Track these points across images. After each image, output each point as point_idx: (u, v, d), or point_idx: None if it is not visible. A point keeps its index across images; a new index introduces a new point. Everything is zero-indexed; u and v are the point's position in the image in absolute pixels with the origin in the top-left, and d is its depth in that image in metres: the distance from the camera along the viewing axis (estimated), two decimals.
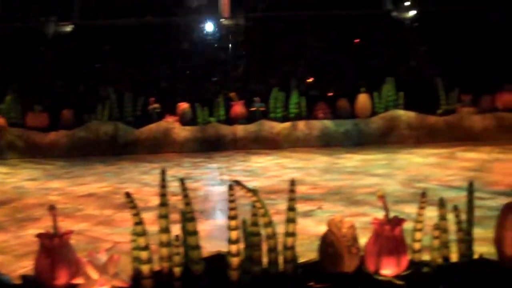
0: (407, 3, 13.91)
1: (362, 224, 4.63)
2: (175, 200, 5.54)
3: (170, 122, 10.72)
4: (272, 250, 3.14)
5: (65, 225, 4.86)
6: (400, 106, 10.88)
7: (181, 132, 10.67)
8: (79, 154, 10.46)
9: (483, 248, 3.65)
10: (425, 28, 13.08)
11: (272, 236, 3.13)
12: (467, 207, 3.34)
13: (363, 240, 3.20)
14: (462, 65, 12.14)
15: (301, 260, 3.29)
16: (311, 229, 4.89)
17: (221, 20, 13.41)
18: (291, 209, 3.12)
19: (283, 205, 4.10)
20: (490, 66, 12.10)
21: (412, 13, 13.41)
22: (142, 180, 7.90)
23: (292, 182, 3.11)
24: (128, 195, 3.10)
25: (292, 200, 3.12)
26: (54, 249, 2.97)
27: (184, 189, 3.13)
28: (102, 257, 2.98)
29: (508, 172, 7.49)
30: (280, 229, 3.17)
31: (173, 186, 4.76)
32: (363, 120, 10.85)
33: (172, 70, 12.63)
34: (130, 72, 12.52)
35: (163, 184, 3.16)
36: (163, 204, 3.11)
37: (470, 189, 3.34)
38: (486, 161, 8.39)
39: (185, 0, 14.30)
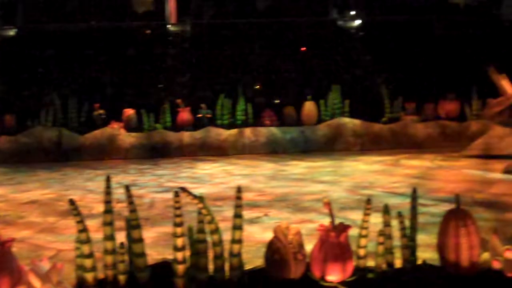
0: (352, 13, 14.10)
1: (308, 230, 4.66)
2: (120, 207, 5.49)
3: (115, 129, 10.60)
4: (218, 257, 3.12)
5: (6, 232, 4.76)
6: (346, 114, 10.99)
7: (127, 138, 10.57)
8: (22, 160, 10.25)
9: (427, 254, 3.70)
10: (370, 37, 13.27)
11: (218, 243, 3.12)
12: (411, 214, 3.38)
13: (309, 246, 3.21)
14: (406, 74, 12.34)
15: (248, 267, 3.29)
16: (257, 236, 4.89)
17: (168, 26, 13.36)
18: (237, 216, 3.11)
19: (229, 212, 4.10)
20: (433, 75, 12.34)
21: (358, 22, 13.59)
22: (86, 187, 7.79)
23: (239, 189, 3.11)
24: (72, 202, 3.06)
25: (238, 207, 3.11)
26: None
27: (129, 196, 3.10)
28: (45, 265, 2.92)
29: (451, 179, 7.64)
30: (227, 236, 3.16)
31: (118, 193, 4.70)
32: (309, 127, 10.92)
33: (117, 75, 12.51)
34: (75, 77, 12.36)
35: (108, 191, 3.12)
36: (108, 211, 3.07)
37: (414, 196, 3.39)
38: (429, 168, 8.54)
39: (131, 5, 14.20)
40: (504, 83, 8.56)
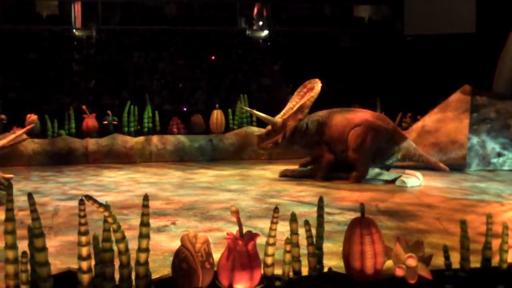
0: (260, 23, 14.25)
1: (216, 239, 4.66)
2: (22, 215, 5.32)
3: (17, 134, 10.28)
4: (124, 266, 3.07)
5: None
6: (254, 123, 11.06)
7: (29, 144, 10.27)
8: None
9: (333, 261, 3.77)
10: (278, 48, 13.44)
11: (125, 252, 3.06)
12: (317, 222, 3.43)
13: (217, 255, 3.20)
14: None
15: (155, 276, 3.25)
16: (164, 244, 4.84)
17: (73, 31, 13.10)
18: (144, 224, 3.07)
19: (136, 221, 4.04)
20: (338, 85, 12.61)
21: (265, 32, 13.74)
22: None
23: (145, 197, 3.07)
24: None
25: (145, 215, 3.07)
26: None
27: (32, 203, 3.00)
28: None
29: (355, 188, 7.80)
30: (133, 244, 3.11)
31: (21, 200, 4.57)
32: (217, 136, 10.94)
33: (20, 80, 12.16)
34: None
35: (9, 199, 3.01)
36: (9, 219, 2.96)
37: (320, 205, 3.44)
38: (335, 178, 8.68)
39: (36, 8, 13.85)
40: (262, 116, 8.75)
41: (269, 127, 8.64)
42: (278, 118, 8.52)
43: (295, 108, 8.49)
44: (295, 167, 9.02)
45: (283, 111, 8.65)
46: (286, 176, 8.77)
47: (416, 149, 8.63)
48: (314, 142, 8.55)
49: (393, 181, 8.22)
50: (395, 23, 15.00)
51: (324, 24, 14.17)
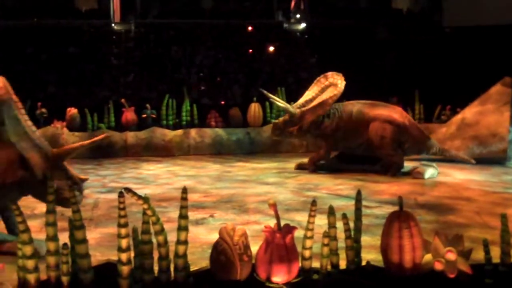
0: (297, 16, 14.19)
1: (254, 232, 4.67)
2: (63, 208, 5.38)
3: (58, 128, 10.41)
4: (163, 258, 3.10)
5: None
6: None
7: (70, 138, 10.38)
8: None
9: (371, 255, 3.75)
10: (315, 41, 13.38)
11: (164, 244, 3.09)
12: (355, 216, 3.42)
13: (254, 248, 3.21)
14: (349, 77, 12.48)
15: (193, 268, 3.27)
16: (203, 237, 4.87)
17: (112, 25, 13.21)
18: (182, 217, 3.09)
19: (174, 213, 4.07)
20: (376, 78, 12.51)
21: (303, 25, 13.69)
22: None
23: (184, 190, 3.09)
24: (14, 202, 3.00)
25: (184, 208, 3.10)
26: None
27: (72, 196, 3.05)
28: None
29: (393, 181, 7.75)
30: (172, 237, 3.14)
31: None
32: (255, 129, 10.94)
33: (60, 74, 12.31)
34: (16, 75, 12.11)
35: (51, 191, 3.06)
36: (51, 211, 3.01)
37: (358, 198, 3.43)
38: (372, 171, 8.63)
39: (75, 3, 14.00)
40: (282, 103, 8.66)
41: (286, 117, 8.60)
42: (297, 109, 8.46)
43: (315, 102, 8.43)
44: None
45: (302, 100, 8.57)
46: (301, 168, 8.77)
47: (434, 143, 8.59)
48: (327, 134, 8.51)
49: (409, 173, 8.18)
50: (433, 15, 14.81)
51: (362, 16, 14.05)
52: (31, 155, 4.17)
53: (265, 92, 8.59)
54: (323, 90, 8.50)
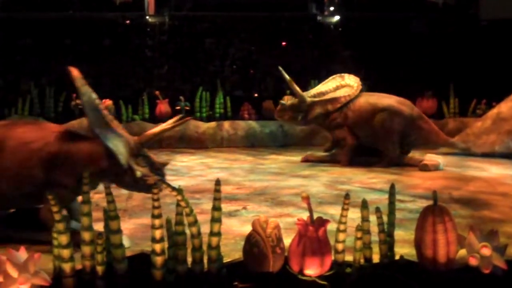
0: (331, 8, 14.11)
1: (287, 224, 4.68)
2: (98, 198, 5.45)
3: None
4: (196, 249, 3.12)
5: None
6: None
7: None
8: None
9: (404, 249, 3.73)
10: (349, 33, 13.30)
11: (197, 236, 3.11)
12: (389, 209, 3.40)
13: (287, 240, 3.22)
14: (383, 70, 12.40)
15: (226, 259, 3.29)
16: (236, 229, 4.89)
17: (146, 17, 13.28)
18: (216, 208, 3.11)
19: (208, 205, 4.09)
20: (411, 72, 12.40)
21: (337, 18, 13.61)
22: None
23: (217, 182, 3.11)
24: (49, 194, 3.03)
25: (217, 199, 3.11)
26: None
27: (107, 187, 3.08)
28: (22, 255, 2.89)
29: (427, 176, 7.68)
30: (205, 228, 3.16)
31: None
32: None
33: (95, 66, 12.42)
34: (52, 66, 12.25)
35: (86, 182, 3.10)
36: (86, 202, 3.05)
37: (392, 192, 3.41)
38: (406, 164, 8.57)
39: None
40: (294, 85, 8.65)
41: (295, 101, 8.66)
42: (309, 98, 8.53)
43: (327, 97, 8.50)
44: (318, 152, 9.01)
45: (314, 91, 8.68)
46: (308, 161, 8.81)
47: (439, 133, 8.65)
48: (336, 124, 8.53)
49: (414, 165, 8.20)
50: (469, 8, 14.62)
51: (397, 9, 13.92)
52: (114, 144, 4.20)
53: (283, 71, 8.61)
54: (337, 88, 8.59)
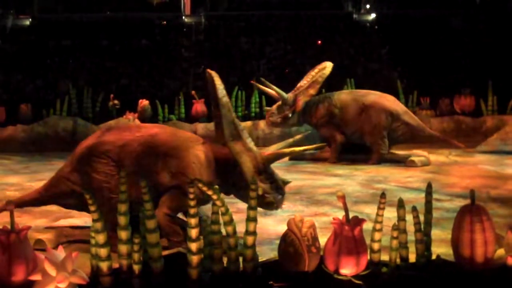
0: (367, 6, 14.03)
1: (322, 224, 4.67)
2: None
3: (130, 119, 10.61)
4: (232, 248, 3.13)
5: (22, 221, 4.79)
6: None
7: None
8: (36, 150, 10.27)
9: (441, 249, 3.70)
10: (385, 31, 13.22)
11: (233, 235, 3.13)
12: (426, 209, 3.37)
13: (323, 239, 3.21)
14: (421, 68, 12.29)
15: (261, 259, 3.29)
16: (271, 228, 4.89)
17: (182, 17, 13.36)
18: (251, 208, 3.12)
19: (243, 204, 4.10)
20: (448, 69, 12.27)
21: (373, 16, 13.53)
22: None
23: (253, 181, 3.11)
24: (87, 192, 3.07)
25: (252, 199, 3.12)
26: (11, 245, 2.92)
27: (144, 186, 3.11)
28: (60, 254, 2.93)
29: (465, 174, 7.60)
30: (241, 228, 3.17)
31: None
32: None
33: (132, 66, 12.54)
34: (90, 67, 12.40)
35: (122, 181, 3.12)
36: (123, 201, 3.07)
37: (429, 191, 3.38)
38: (443, 163, 8.50)
39: None
40: (274, 89, 8.64)
41: (279, 103, 8.74)
42: (289, 94, 8.64)
43: (306, 85, 8.55)
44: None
45: (294, 89, 8.72)
46: (316, 160, 8.82)
47: (424, 128, 8.63)
48: (323, 122, 8.62)
49: (402, 161, 8.28)
50: (508, 3, 14.42)
51: (434, 6, 13.80)
52: (243, 159, 4.22)
53: (256, 84, 8.80)
54: (312, 77, 8.61)
